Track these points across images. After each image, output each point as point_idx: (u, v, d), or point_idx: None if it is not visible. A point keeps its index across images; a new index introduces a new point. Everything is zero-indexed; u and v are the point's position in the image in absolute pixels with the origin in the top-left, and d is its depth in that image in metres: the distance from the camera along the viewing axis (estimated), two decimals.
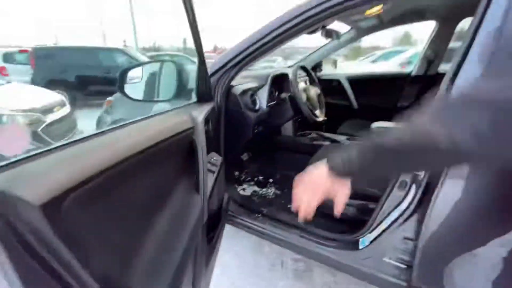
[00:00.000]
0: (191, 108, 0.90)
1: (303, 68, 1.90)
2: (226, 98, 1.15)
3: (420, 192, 0.79)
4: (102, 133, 0.53)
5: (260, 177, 1.72)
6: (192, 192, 0.81)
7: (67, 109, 3.00)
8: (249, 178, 1.72)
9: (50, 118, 2.66)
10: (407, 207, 0.82)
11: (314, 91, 1.85)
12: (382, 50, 7.65)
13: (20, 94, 3.08)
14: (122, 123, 0.60)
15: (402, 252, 0.87)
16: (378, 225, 0.90)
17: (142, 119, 0.66)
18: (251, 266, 1.46)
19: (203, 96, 0.97)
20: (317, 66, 2.30)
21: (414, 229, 0.83)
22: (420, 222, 0.79)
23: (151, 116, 0.71)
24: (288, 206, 1.41)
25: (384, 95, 2.23)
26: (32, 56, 5.50)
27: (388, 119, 2.08)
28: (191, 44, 0.81)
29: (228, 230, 1.22)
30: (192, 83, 0.93)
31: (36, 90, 3.58)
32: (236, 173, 1.72)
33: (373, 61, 7.34)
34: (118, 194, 0.50)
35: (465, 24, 1.94)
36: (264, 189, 1.61)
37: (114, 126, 0.57)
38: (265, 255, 1.53)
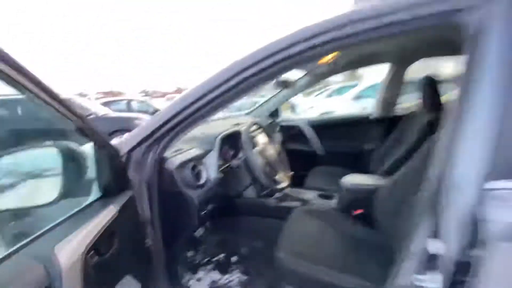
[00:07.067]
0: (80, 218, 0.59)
1: (257, 125, 1.65)
2: (158, 177, 0.85)
3: None
4: None
5: (221, 255, 1.37)
6: None
7: None
8: (206, 259, 1.36)
9: None
10: None
11: (274, 150, 1.60)
12: (333, 85, 8.04)
13: None
14: None
15: None
16: None
17: None
18: None
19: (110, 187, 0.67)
20: (274, 114, 2.14)
21: None
22: None
23: None
24: None
25: (348, 139, 2.10)
26: None
27: (355, 164, 1.90)
28: None
29: None
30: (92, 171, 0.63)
31: None
32: (190, 253, 1.35)
33: (329, 96, 7.66)
34: None
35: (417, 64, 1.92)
36: (227, 276, 1.25)
37: None
38: None
